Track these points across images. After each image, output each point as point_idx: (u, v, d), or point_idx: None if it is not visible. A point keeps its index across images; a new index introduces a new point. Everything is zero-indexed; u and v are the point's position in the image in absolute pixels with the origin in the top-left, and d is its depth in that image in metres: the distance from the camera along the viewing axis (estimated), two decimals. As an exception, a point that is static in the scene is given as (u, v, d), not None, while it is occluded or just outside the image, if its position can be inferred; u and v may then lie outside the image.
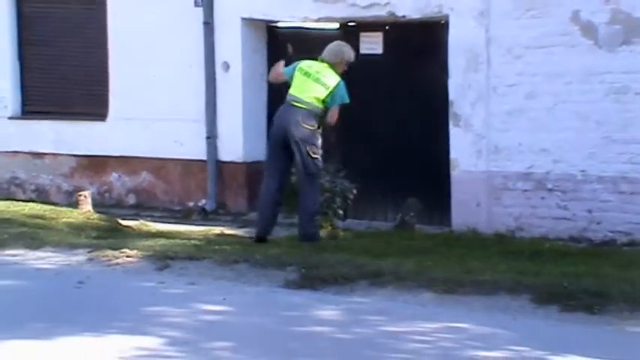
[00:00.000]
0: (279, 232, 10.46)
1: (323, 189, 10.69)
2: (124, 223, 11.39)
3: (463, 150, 10.92)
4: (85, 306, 7.26)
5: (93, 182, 13.26)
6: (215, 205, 12.45)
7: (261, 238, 9.86)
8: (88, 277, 8.10)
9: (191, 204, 12.67)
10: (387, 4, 11.29)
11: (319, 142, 9.81)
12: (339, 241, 10.09)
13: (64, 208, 11.71)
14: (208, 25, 12.32)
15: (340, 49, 10.03)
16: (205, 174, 12.52)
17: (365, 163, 11.68)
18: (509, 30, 10.65)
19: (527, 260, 9.04)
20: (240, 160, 12.31)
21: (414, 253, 9.34)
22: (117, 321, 6.74)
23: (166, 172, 12.89)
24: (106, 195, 13.22)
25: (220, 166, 12.42)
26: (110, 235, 10.28)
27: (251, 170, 12.14)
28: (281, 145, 9.76)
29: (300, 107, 9.68)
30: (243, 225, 11.42)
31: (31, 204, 12.04)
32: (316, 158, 9.75)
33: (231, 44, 12.24)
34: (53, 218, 10.90)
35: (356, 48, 11.80)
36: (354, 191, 10.97)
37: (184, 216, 12.32)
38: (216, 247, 9.38)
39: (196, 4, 12.29)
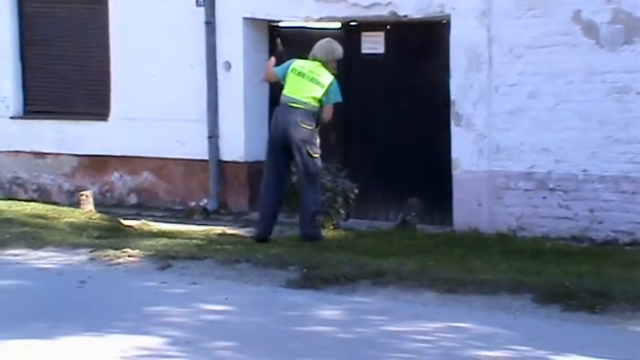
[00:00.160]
0: (280, 232, 10.46)
1: (324, 188, 10.69)
2: (126, 222, 11.39)
3: (465, 150, 10.92)
4: (87, 306, 7.27)
5: (94, 182, 13.26)
6: (217, 205, 12.45)
7: (261, 239, 9.87)
8: (89, 277, 8.10)
9: (193, 204, 12.67)
10: (388, 3, 11.29)
11: (318, 141, 9.82)
12: (340, 241, 10.08)
13: (65, 208, 11.71)
14: (210, 25, 12.32)
15: (331, 46, 10.06)
16: (207, 174, 12.52)
17: (366, 162, 11.69)
18: (510, 29, 10.65)
19: (528, 260, 9.04)
20: (241, 160, 12.31)
21: (415, 252, 9.34)
22: (118, 320, 6.74)
23: (168, 171, 12.89)
24: (108, 195, 13.22)
25: (222, 165, 12.43)
26: (112, 234, 10.28)
27: (253, 170, 12.13)
28: (280, 146, 9.77)
29: (297, 108, 9.69)
30: (244, 225, 11.42)
31: (32, 204, 12.05)
32: (316, 158, 9.76)
33: (233, 44, 12.24)
34: (55, 218, 10.91)
35: (357, 48, 11.86)
36: (356, 191, 10.99)
37: (186, 216, 12.32)
38: (218, 246, 9.38)
39: (198, 4, 12.29)
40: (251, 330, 6.62)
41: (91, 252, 8.94)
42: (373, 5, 11.38)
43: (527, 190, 10.70)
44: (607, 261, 8.96)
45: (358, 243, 10.00)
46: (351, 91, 11.88)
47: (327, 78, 9.81)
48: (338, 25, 12.00)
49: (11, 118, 13.79)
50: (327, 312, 7.07)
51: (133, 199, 13.13)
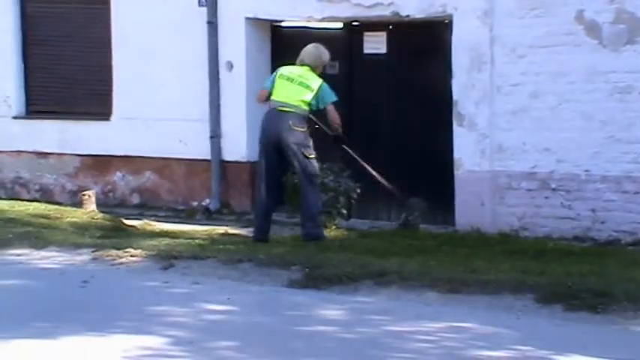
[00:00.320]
0: (282, 232, 10.47)
1: (327, 188, 10.70)
2: (128, 222, 11.40)
3: (467, 149, 10.92)
4: (89, 305, 7.27)
5: (97, 182, 13.27)
6: (219, 205, 12.45)
7: (259, 240, 9.89)
8: (92, 277, 8.11)
9: (195, 203, 12.68)
10: (390, 3, 11.29)
11: (311, 143, 9.87)
12: (343, 241, 10.09)
13: (68, 208, 11.72)
14: (212, 25, 12.32)
15: (319, 51, 10.13)
16: (209, 173, 12.53)
17: (368, 162, 11.67)
18: (513, 29, 10.65)
19: (531, 260, 9.04)
20: (244, 160, 12.31)
21: (417, 252, 9.35)
22: (121, 320, 6.75)
23: (170, 171, 12.89)
24: (110, 194, 13.23)
25: (224, 165, 12.43)
26: (114, 234, 10.29)
27: (255, 170, 12.08)
28: (273, 150, 9.81)
29: (288, 112, 9.76)
30: (247, 224, 11.41)
31: (35, 203, 12.07)
32: (312, 159, 9.81)
33: (235, 44, 12.24)
34: (57, 218, 10.92)
35: (360, 48, 11.87)
36: (358, 191, 10.98)
37: (188, 215, 12.33)
38: (220, 246, 9.39)
39: (200, 4, 12.29)
40: (253, 330, 6.62)
41: (93, 252, 8.95)
42: (375, 5, 11.38)
43: (529, 190, 10.70)
44: (609, 261, 8.96)
45: (360, 243, 10.01)
46: (354, 91, 11.92)
47: (316, 82, 9.89)
48: (340, 25, 12.01)
49: (14, 118, 13.79)
50: (330, 312, 7.08)
51: (135, 199, 13.14)
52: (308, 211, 9.84)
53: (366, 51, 11.86)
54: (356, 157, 10.79)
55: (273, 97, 9.89)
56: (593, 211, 10.40)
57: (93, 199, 11.79)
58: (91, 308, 7.17)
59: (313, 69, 9.99)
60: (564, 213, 10.54)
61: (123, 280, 8.14)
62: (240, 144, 12.30)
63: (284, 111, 9.76)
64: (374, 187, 11.28)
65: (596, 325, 6.70)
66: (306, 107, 9.82)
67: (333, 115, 10.02)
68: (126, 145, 12.99)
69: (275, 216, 10.62)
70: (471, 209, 10.87)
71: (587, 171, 10.42)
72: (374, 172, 10.84)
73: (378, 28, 11.77)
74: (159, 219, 12.04)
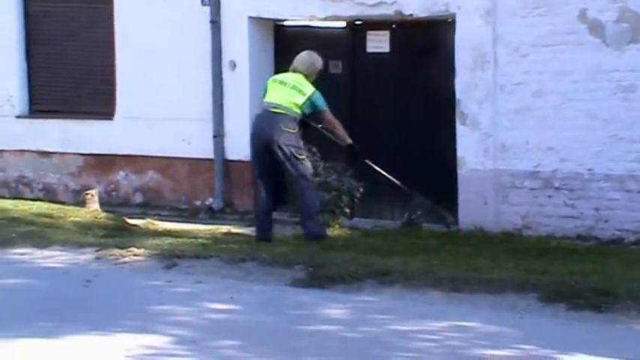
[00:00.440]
0: (285, 231, 10.47)
1: (330, 187, 10.72)
2: (131, 221, 11.41)
3: (470, 148, 10.92)
4: (93, 304, 7.28)
5: (100, 181, 13.28)
6: (222, 204, 12.46)
7: (261, 240, 9.89)
8: (95, 276, 8.12)
9: (198, 203, 12.69)
10: (394, 2, 11.29)
11: (302, 144, 9.89)
12: (346, 240, 10.09)
13: (71, 207, 11.74)
14: (215, 24, 12.33)
15: (312, 59, 10.15)
16: (212, 173, 12.53)
17: (372, 161, 11.66)
18: (516, 28, 10.65)
19: (534, 259, 9.03)
20: (247, 159, 12.25)
21: (421, 251, 9.35)
22: (124, 319, 6.75)
23: (173, 170, 12.90)
24: (113, 194, 13.23)
25: (227, 164, 12.43)
26: (117, 233, 10.30)
27: (258, 169, 12.13)
28: (265, 151, 9.81)
29: (279, 113, 9.78)
30: (250, 223, 11.39)
31: (38, 203, 12.08)
32: (303, 160, 9.82)
33: (238, 43, 12.25)
34: (61, 217, 10.93)
35: (363, 47, 11.87)
36: (361, 190, 10.98)
37: (191, 215, 12.33)
38: (224, 245, 9.40)
39: (203, 3, 12.30)
40: (257, 329, 6.62)
41: (96, 251, 8.96)
42: (378, 4, 11.38)
43: (532, 189, 10.70)
44: (612, 260, 8.96)
45: (364, 242, 10.01)
46: (357, 90, 11.92)
47: (309, 89, 9.91)
48: (343, 24, 12.01)
49: (17, 117, 13.80)
50: (333, 311, 7.08)
51: (138, 198, 13.14)
52: (306, 211, 9.85)
53: (369, 50, 11.86)
54: (377, 168, 10.70)
55: (265, 100, 9.93)
56: (597, 210, 10.40)
57: (96, 198, 11.80)
58: (94, 307, 7.18)
59: (307, 76, 10.01)
60: (567, 212, 10.54)
61: (126, 280, 8.15)
62: (243, 143, 12.25)
63: (275, 112, 9.78)
64: (377, 186, 11.28)
65: (599, 324, 6.69)
66: (297, 110, 9.82)
67: (333, 121, 10.03)
68: (129, 145, 13.00)
69: (277, 215, 10.63)
70: (474, 208, 10.87)
71: (590, 170, 10.42)
72: (395, 180, 10.77)
73: (381, 27, 11.77)
74: (162, 218, 12.04)
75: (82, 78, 13.39)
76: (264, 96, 10.00)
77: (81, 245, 9.24)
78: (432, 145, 11.35)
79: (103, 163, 13.29)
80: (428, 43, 11.49)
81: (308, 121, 10.08)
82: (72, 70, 13.47)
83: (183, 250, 8.92)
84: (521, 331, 6.49)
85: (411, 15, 11.26)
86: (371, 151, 11.76)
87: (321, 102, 9.91)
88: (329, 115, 10.01)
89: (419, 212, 10.93)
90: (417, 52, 11.58)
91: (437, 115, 11.33)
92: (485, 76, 10.82)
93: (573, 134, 10.46)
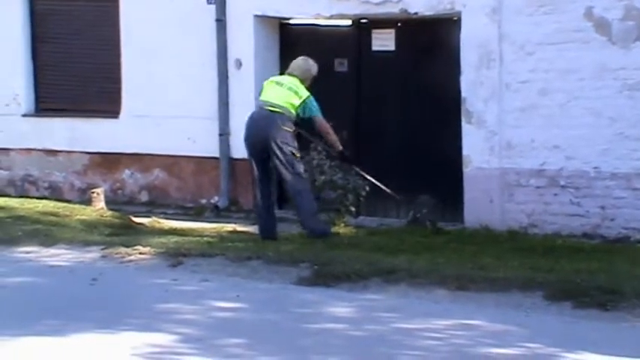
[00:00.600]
0: (291, 229, 10.47)
1: (335, 186, 10.72)
2: (137, 220, 11.42)
3: (476, 147, 10.91)
4: (99, 303, 7.28)
5: (106, 179, 13.29)
6: (227, 202, 12.46)
7: (265, 238, 9.88)
8: (101, 274, 8.12)
9: (204, 201, 12.69)
10: (399, 1, 11.29)
11: (297, 144, 9.90)
12: (351, 238, 10.09)
13: (77, 206, 11.75)
14: (221, 23, 12.33)
15: (308, 64, 10.18)
16: (218, 171, 12.54)
17: (377, 159, 11.67)
18: (521, 26, 10.64)
19: (540, 257, 9.03)
20: (252, 158, 12.31)
21: (426, 250, 9.35)
22: (130, 318, 6.76)
23: (179, 169, 12.91)
24: (119, 192, 13.25)
25: (233, 163, 12.43)
26: (123, 232, 10.31)
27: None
28: (262, 149, 9.81)
29: (276, 112, 9.80)
30: (255, 222, 11.39)
31: (44, 201, 12.09)
32: (298, 159, 9.84)
33: (244, 41, 12.25)
34: (66, 215, 10.94)
35: (368, 45, 11.86)
36: (367, 188, 10.97)
37: (197, 213, 12.34)
38: (229, 244, 9.40)
39: (209, 2, 12.30)
40: (262, 327, 6.62)
41: (102, 249, 8.97)
42: (384, 2, 11.37)
43: (538, 187, 10.69)
44: (618, 258, 8.95)
45: (369, 240, 10.01)
46: (362, 88, 11.92)
47: (304, 92, 9.94)
48: (349, 22, 12.00)
49: (23, 115, 13.82)
50: (339, 309, 7.08)
51: (144, 197, 13.15)
52: (306, 212, 9.87)
53: (374, 48, 11.86)
54: (366, 175, 10.70)
55: (261, 99, 9.96)
56: (603, 208, 10.39)
57: (102, 196, 11.81)
58: (100, 306, 7.18)
59: (302, 81, 10.02)
60: (573, 210, 10.53)
61: (132, 278, 8.15)
62: (248, 141, 12.30)
63: (272, 110, 9.79)
64: (383, 185, 11.28)
65: (605, 322, 6.69)
66: (293, 111, 9.84)
67: (324, 126, 10.01)
68: (135, 143, 13.01)
69: (283, 213, 10.64)
70: (479, 206, 10.87)
71: (596, 168, 10.41)
72: (385, 188, 10.76)
73: (386, 26, 11.77)
74: (167, 216, 12.05)
75: (87, 76, 13.40)
76: (260, 95, 10.03)
77: (87, 244, 9.25)
78: (438, 144, 11.34)
79: (108, 161, 13.31)
80: (433, 42, 11.48)
81: (303, 133, 10.12)
82: (78, 68, 13.49)
83: (189, 248, 8.93)
84: (526, 330, 6.49)
85: (416, 13, 11.26)
86: (377, 148, 11.82)
87: (314, 108, 9.93)
88: (321, 121, 10.00)
89: (424, 210, 10.91)
90: (423, 51, 11.58)
91: (442, 113, 11.32)
92: (490, 74, 10.81)
93: (579, 132, 10.45)
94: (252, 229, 10.85)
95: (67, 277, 8.15)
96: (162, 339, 6.25)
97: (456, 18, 11.09)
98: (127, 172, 13.24)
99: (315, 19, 12.03)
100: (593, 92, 10.36)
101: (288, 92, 9.86)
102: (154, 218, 11.72)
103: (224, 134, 12.41)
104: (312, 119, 9.97)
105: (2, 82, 13.79)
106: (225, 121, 12.39)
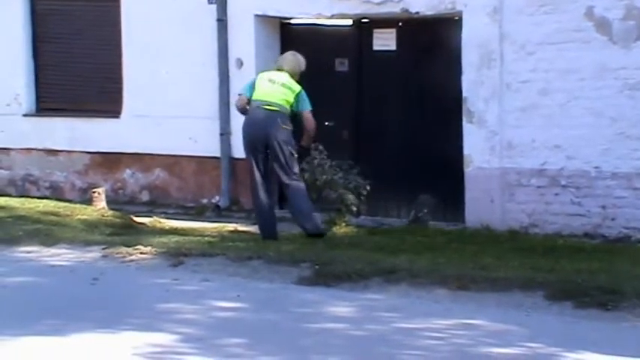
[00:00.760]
0: (291, 229, 10.47)
1: (336, 185, 10.71)
2: (138, 219, 11.43)
3: (477, 146, 10.91)
4: (99, 302, 7.28)
5: (107, 179, 13.29)
6: (228, 202, 12.46)
7: (267, 237, 9.88)
8: (102, 274, 8.13)
9: (205, 201, 12.70)
10: (400, 0, 11.28)
11: (294, 142, 9.93)
12: (352, 238, 10.10)
13: (78, 205, 11.75)
14: (222, 22, 12.33)
15: (297, 59, 10.19)
16: (219, 171, 12.54)
17: (378, 159, 11.68)
18: (522, 26, 10.64)
19: (540, 257, 9.03)
20: (253, 157, 12.30)
21: (427, 249, 9.35)
22: (131, 317, 6.76)
23: (180, 168, 12.91)
24: (120, 192, 13.25)
25: (234, 162, 12.43)
26: (124, 231, 10.31)
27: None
28: (263, 148, 9.82)
29: (274, 110, 9.81)
30: (256, 221, 11.41)
31: (45, 201, 12.10)
32: (295, 158, 9.89)
33: (245, 41, 12.25)
34: (67, 215, 10.94)
35: (369, 44, 11.86)
36: (368, 188, 10.98)
37: (198, 213, 12.34)
38: (230, 243, 9.40)
39: (210, 2, 12.30)
40: (263, 327, 6.62)
41: (103, 249, 8.97)
42: (385, 2, 11.37)
43: (539, 187, 10.69)
44: (619, 258, 8.95)
45: (370, 240, 10.01)
46: (363, 88, 11.91)
47: (296, 86, 9.95)
48: (350, 22, 12.00)
49: (24, 115, 13.82)
50: (339, 309, 7.08)
51: (145, 197, 13.16)
52: (304, 213, 9.90)
53: (375, 48, 11.85)
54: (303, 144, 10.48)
55: (256, 97, 9.90)
56: (603, 207, 10.38)
57: (103, 196, 11.82)
58: (101, 305, 7.18)
59: (292, 76, 10.03)
60: (574, 210, 10.53)
61: (133, 278, 8.16)
62: (249, 141, 12.29)
63: (269, 109, 9.79)
64: (383, 185, 11.29)
65: (605, 322, 6.69)
66: (289, 107, 9.87)
67: (311, 122, 10.00)
68: (136, 143, 13.01)
69: (284, 213, 10.64)
70: (480, 206, 10.87)
71: (597, 168, 10.41)
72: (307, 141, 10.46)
73: (387, 25, 11.76)
74: (168, 216, 12.05)
75: (88, 76, 13.40)
76: (251, 93, 9.98)
77: (87, 243, 9.25)
78: (439, 143, 11.34)
79: (109, 161, 13.31)
80: (434, 41, 11.48)
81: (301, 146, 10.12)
82: (79, 68, 13.49)
83: (190, 248, 8.93)
84: (527, 329, 6.49)
85: (417, 13, 11.25)
86: (378, 147, 11.81)
87: (307, 102, 9.94)
88: (310, 117, 9.98)
89: (425, 210, 10.92)
90: (424, 50, 11.58)
91: (443, 113, 11.32)
92: (491, 74, 10.81)
93: (580, 132, 10.45)
94: (253, 228, 10.85)
95: (67, 277, 8.15)
96: (163, 339, 6.25)
97: (457, 18, 11.08)
98: (128, 171, 13.24)
99: (316, 18, 12.03)
100: (594, 92, 10.36)
101: (282, 89, 9.87)
102: (155, 218, 11.73)
103: (225, 134, 12.41)
104: (301, 113, 9.95)
105: (3, 82, 13.80)
106: (226, 120, 12.39)
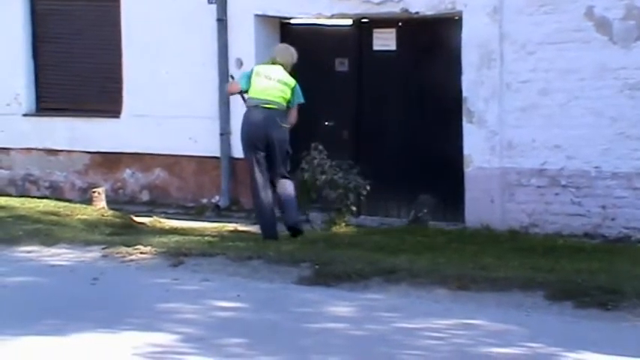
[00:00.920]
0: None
1: (336, 185, 10.73)
2: (138, 219, 11.43)
3: (477, 146, 10.92)
4: (99, 302, 7.28)
5: (107, 179, 13.29)
6: (228, 202, 12.47)
7: (268, 237, 9.88)
8: (102, 274, 8.12)
9: (204, 200, 12.70)
10: (400, 0, 11.28)
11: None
12: (352, 238, 10.10)
13: (78, 205, 11.75)
14: (222, 22, 12.34)
15: (289, 51, 10.20)
16: (219, 170, 12.54)
17: (378, 159, 11.68)
18: (522, 26, 10.64)
19: (540, 257, 9.03)
20: (253, 157, 12.30)
21: (427, 249, 9.35)
22: (131, 317, 6.75)
23: (180, 168, 12.91)
24: (120, 192, 13.25)
25: (234, 162, 12.43)
26: (124, 231, 10.31)
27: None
28: (261, 147, 9.82)
29: (272, 108, 9.82)
30: (256, 221, 11.41)
31: (45, 201, 12.09)
32: (290, 155, 9.96)
33: (245, 41, 12.25)
34: (67, 215, 10.94)
35: (369, 44, 11.86)
36: (368, 187, 10.98)
37: (198, 212, 12.34)
38: (230, 243, 9.40)
39: (210, 1, 12.31)
40: (263, 327, 6.62)
41: (103, 249, 8.96)
42: (385, 2, 11.38)
43: (539, 187, 10.69)
44: (619, 258, 8.95)
45: (370, 240, 10.01)
46: (363, 88, 11.92)
47: (291, 80, 9.96)
48: (350, 21, 12.00)
49: (24, 115, 13.83)
50: (339, 309, 7.07)
51: (145, 196, 13.16)
52: (293, 208, 9.96)
53: (375, 48, 11.86)
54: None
55: (254, 95, 9.90)
56: (604, 207, 10.39)
57: (103, 196, 11.82)
58: (101, 305, 7.18)
59: (286, 68, 10.03)
60: (574, 210, 10.53)
61: (133, 277, 8.15)
62: (249, 141, 12.29)
63: (268, 108, 9.80)
64: (383, 184, 11.29)
65: (605, 322, 6.68)
66: (285, 104, 9.89)
67: (293, 115, 10.02)
68: (136, 143, 13.02)
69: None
70: (480, 206, 10.87)
71: (597, 167, 10.41)
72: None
73: (387, 25, 11.77)
74: (168, 216, 12.06)
75: (88, 76, 13.41)
76: (247, 86, 9.96)
77: (87, 243, 9.25)
78: (439, 143, 11.34)
79: (109, 161, 13.31)
80: (434, 41, 11.49)
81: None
82: (79, 68, 13.50)
83: (190, 248, 8.93)
84: (527, 329, 6.49)
85: (417, 13, 11.26)
86: (378, 147, 11.81)
87: (300, 95, 9.97)
88: (295, 112, 9.99)
89: (425, 210, 10.92)
90: (424, 50, 11.58)
91: (443, 113, 11.33)
92: (491, 74, 10.81)
93: (580, 132, 10.45)
94: (253, 228, 10.86)
95: (67, 277, 8.14)
96: (163, 339, 6.25)
97: (457, 17, 11.09)
98: (128, 171, 13.25)
99: (316, 18, 12.03)
100: (594, 92, 10.37)
101: (279, 85, 9.86)
102: (155, 218, 11.73)
103: (225, 134, 12.41)
104: (293, 106, 9.96)
105: (3, 82, 13.80)
106: (226, 120, 12.39)
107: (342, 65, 12.05)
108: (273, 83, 9.86)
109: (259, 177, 9.90)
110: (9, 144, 13.94)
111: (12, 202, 11.75)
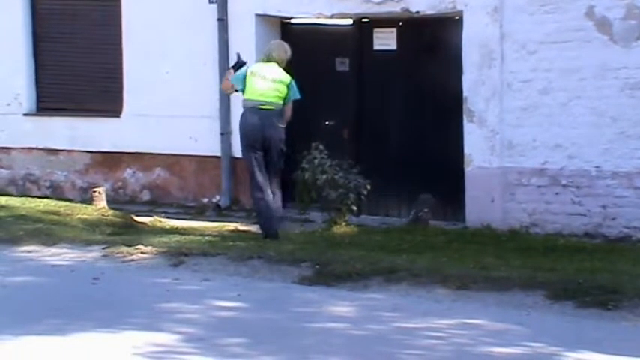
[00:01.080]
0: (292, 228, 10.48)
1: (337, 185, 10.72)
2: (138, 219, 11.43)
3: (477, 146, 10.91)
4: (100, 302, 7.29)
5: (107, 179, 13.29)
6: (229, 201, 12.47)
7: (268, 236, 9.88)
8: (102, 274, 8.13)
9: (205, 200, 12.69)
10: (400, 0, 11.28)
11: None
12: (352, 238, 10.10)
13: (78, 205, 11.76)
14: (222, 22, 12.33)
15: (284, 47, 10.24)
16: (219, 170, 12.54)
17: (379, 159, 11.68)
18: (523, 25, 10.64)
19: (541, 256, 9.03)
20: (254, 157, 12.30)
21: (427, 249, 9.35)
22: (131, 317, 6.76)
23: (180, 168, 12.91)
24: (121, 191, 13.25)
25: (234, 162, 12.42)
26: (124, 231, 10.32)
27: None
28: (259, 147, 9.85)
29: (269, 109, 9.85)
30: (256, 221, 11.41)
31: (45, 200, 12.10)
32: (284, 153, 10.01)
33: (245, 40, 12.23)
34: (68, 215, 10.94)
35: (370, 44, 11.86)
36: (368, 187, 10.97)
37: (198, 212, 12.34)
38: (230, 243, 9.40)
39: (210, 1, 12.30)
40: (263, 326, 6.62)
41: (104, 248, 8.97)
42: (385, 1, 11.37)
43: (539, 187, 10.69)
44: (620, 257, 8.95)
45: (370, 239, 10.01)
46: (364, 88, 11.91)
47: (287, 77, 9.97)
48: (350, 21, 12.00)
49: (24, 115, 13.82)
50: (340, 308, 7.08)
51: (145, 196, 13.16)
52: (279, 221, 10.04)
53: (376, 47, 11.85)
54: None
55: (250, 96, 9.91)
56: (604, 207, 10.38)
57: (103, 195, 11.82)
58: (102, 305, 7.19)
59: (280, 65, 10.05)
60: (575, 209, 10.52)
61: (133, 277, 8.16)
62: (250, 141, 12.29)
63: (265, 108, 9.82)
64: (384, 184, 11.28)
65: (606, 321, 6.69)
66: (282, 102, 9.92)
67: (290, 113, 10.05)
68: (136, 142, 13.01)
69: (285, 212, 10.63)
70: (481, 206, 10.87)
71: (597, 167, 10.41)
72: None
73: (388, 25, 11.76)
74: (169, 216, 12.05)
75: (89, 76, 13.40)
76: (242, 86, 9.97)
77: (88, 243, 9.26)
78: (439, 143, 11.34)
79: (110, 160, 13.31)
80: (435, 41, 11.48)
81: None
82: (79, 67, 13.49)
83: (190, 247, 8.93)
84: (528, 329, 6.49)
85: (418, 12, 11.25)
86: (378, 147, 11.81)
87: (297, 91, 10.01)
88: (290, 109, 10.02)
89: (426, 209, 10.91)
90: (424, 50, 11.57)
91: (444, 113, 11.32)
92: (492, 74, 10.81)
93: (580, 132, 10.45)
94: (254, 228, 10.86)
95: (68, 277, 8.15)
96: (163, 338, 6.25)
97: (457, 17, 11.08)
98: (129, 171, 13.24)
99: (317, 18, 12.02)
100: (595, 91, 10.36)
101: (275, 85, 9.88)
102: (156, 217, 11.72)
103: (225, 133, 12.41)
104: (289, 103, 9.99)
105: (4, 82, 13.80)
106: (226, 120, 12.39)
107: (342, 65, 12.04)
108: (269, 83, 9.87)
109: (259, 176, 9.90)
110: (9, 144, 13.93)
111: (12, 202, 11.76)
